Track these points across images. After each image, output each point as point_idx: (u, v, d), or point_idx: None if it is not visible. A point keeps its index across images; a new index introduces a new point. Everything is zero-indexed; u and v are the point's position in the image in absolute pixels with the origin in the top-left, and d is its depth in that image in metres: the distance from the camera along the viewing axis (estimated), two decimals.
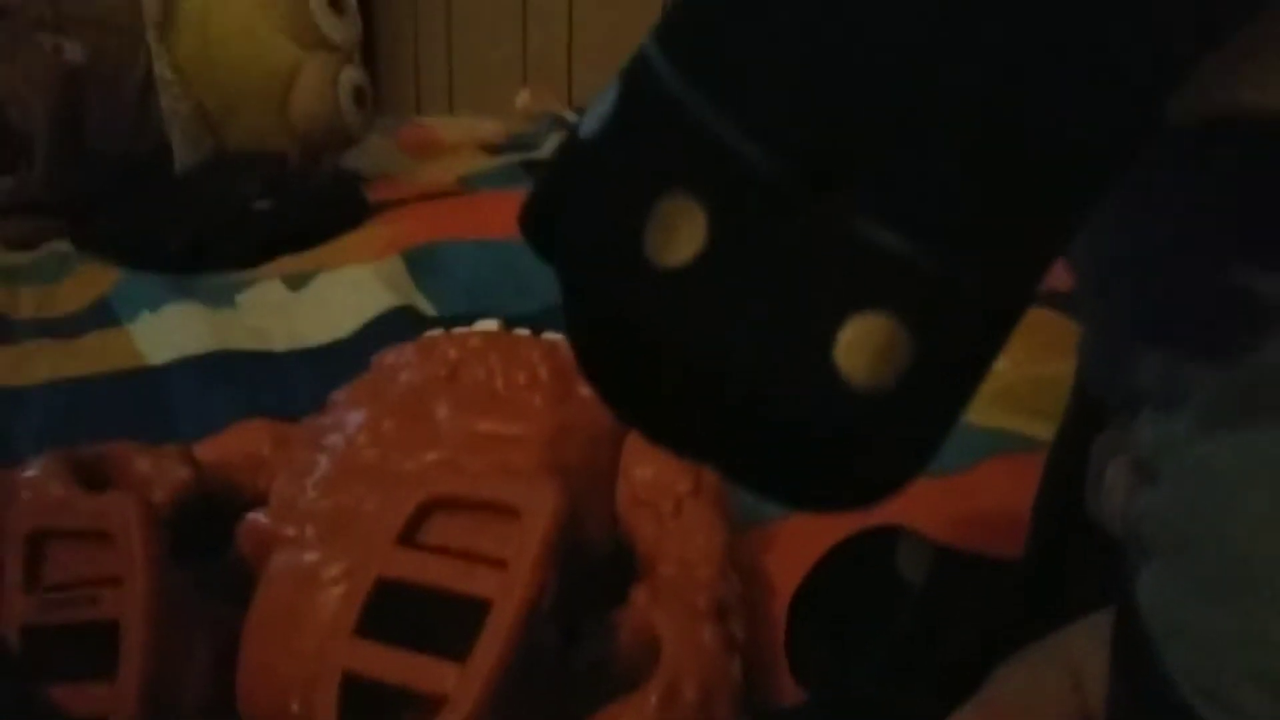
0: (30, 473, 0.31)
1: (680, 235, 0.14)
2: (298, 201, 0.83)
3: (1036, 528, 0.28)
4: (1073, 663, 0.21)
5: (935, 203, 0.14)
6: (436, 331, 0.37)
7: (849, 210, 0.14)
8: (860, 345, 0.14)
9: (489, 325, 0.37)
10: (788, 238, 0.14)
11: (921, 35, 0.14)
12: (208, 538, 0.32)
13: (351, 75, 0.91)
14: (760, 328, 0.14)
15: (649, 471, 0.33)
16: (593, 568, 0.31)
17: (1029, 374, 0.51)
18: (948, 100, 0.14)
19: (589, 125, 0.16)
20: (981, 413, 0.48)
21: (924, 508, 0.31)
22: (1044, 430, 0.46)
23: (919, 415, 0.15)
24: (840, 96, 0.14)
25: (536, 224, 0.17)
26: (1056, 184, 0.14)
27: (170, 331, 0.58)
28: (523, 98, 1.23)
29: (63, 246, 0.80)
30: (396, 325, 0.58)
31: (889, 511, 0.31)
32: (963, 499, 0.35)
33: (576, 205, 0.16)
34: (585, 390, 0.34)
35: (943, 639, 0.28)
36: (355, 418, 0.33)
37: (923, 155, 0.14)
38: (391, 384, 0.34)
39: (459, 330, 0.36)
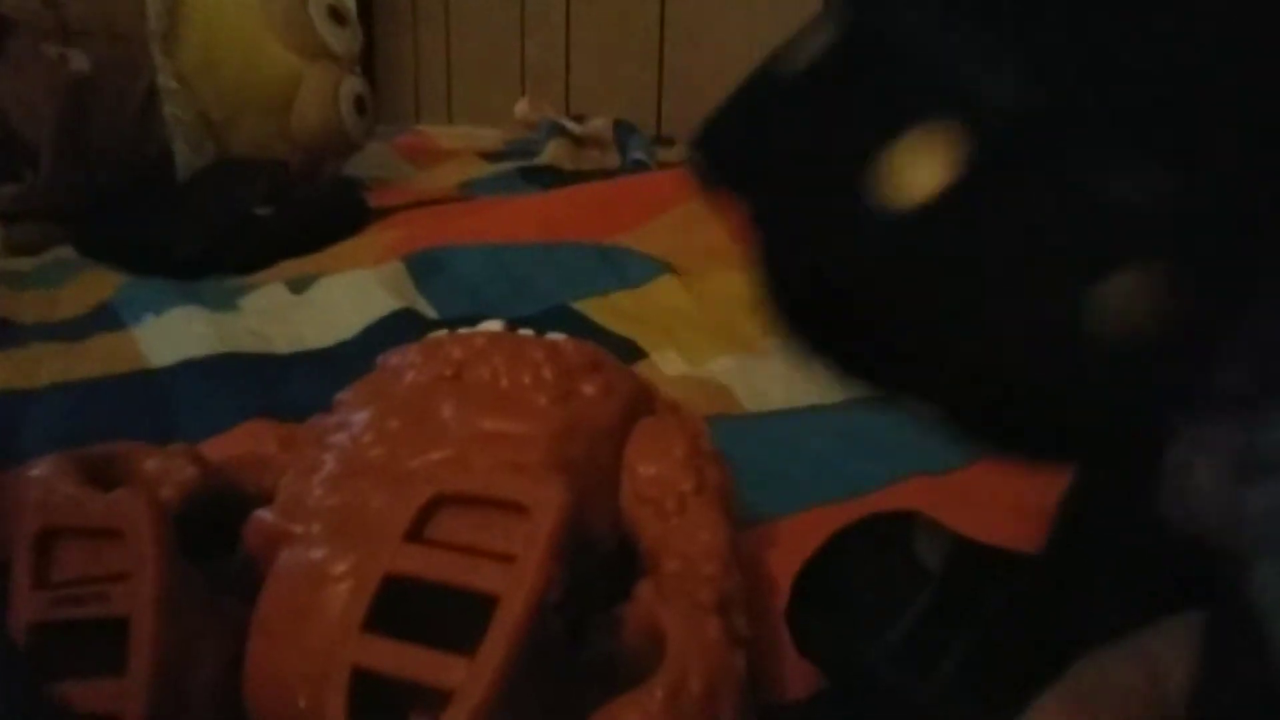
0: (38, 472, 0.32)
1: (918, 175, 0.13)
2: (299, 208, 0.83)
3: (1062, 523, 0.28)
4: (1150, 659, 0.21)
5: (1195, 154, 0.13)
6: (441, 332, 0.37)
7: (1110, 158, 0.13)
8: (1114, 299, 0.13)
9: (493, 326, 0.37)
10: (1041, 183, 0.13)
11: None
12: (215, 536, 0.32)
13: (352, 84, 0.92)
14: (1004, 277, 0.13)
15: (652, 469, 0.33)
16: (598, 564, 0.31)
17: None
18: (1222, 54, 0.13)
19: (796, 60, 0.15)
20: None
21: (922, 505, 0.31)
22: None
23: (1166, 371, 0.14)
24: (1115, 39, 0.13)
25: (718, 158, 0.16)
26: None
27: (174, 334, 0.58)
28: (521, 106, 1.24)
29: (67, 253, 0.81)
30: (399, 327, 0.58)
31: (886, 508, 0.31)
32: (959, 498, 0.35)
33: (789, 144, 0.15)
34: (589, 389, 0.34)
35: (961, 625, 0.28)
36: (361, 417, 0.34)
37: (1185, 102, 0.13)
38: (397, 384, 0.35)
39: (463, 331, 0.37)
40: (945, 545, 0.30)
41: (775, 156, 0.15)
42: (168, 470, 0.33)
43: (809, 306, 0.15)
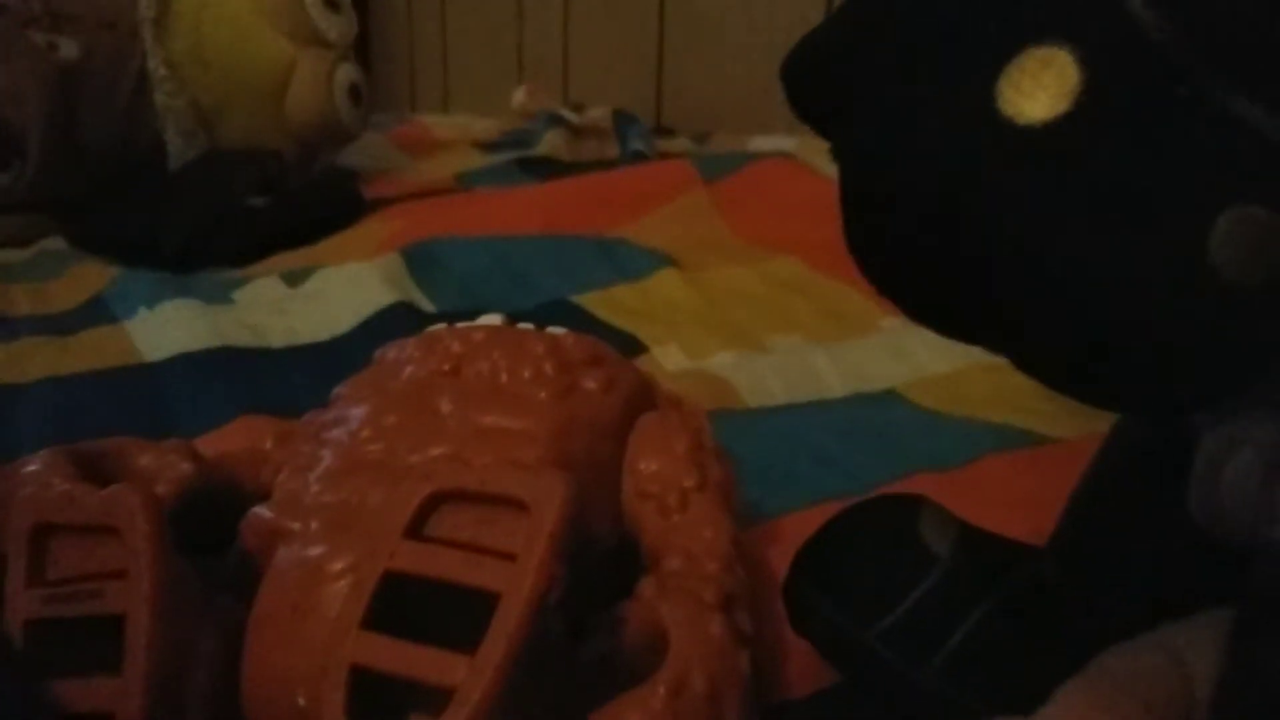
0: (31, 467, 0.31)
1: (1039, 95, 0.13)
2: (293, 199, 0.83)
3: (1073, 515, 0.28)
4: (1175, 652, 0.21)
5: None
6: (439, 326, 0.37)
7: (1240, 95, 0.13)
8: (1234, 237, 0.13)
9: (492, 320, 0.37)
10: (1168, 111, 0.12)
11: None
12: (211, 533, 0.31)
13: (347, 72, 0.91)
14: (1122, 205, 0.12)
15: (654, 465, 0.33)
16: (599, 562, 0.31)
17: None
18: None
19: None
20: (983, 407, 0.48)
21: None
22: (1045, 425, 0.46)
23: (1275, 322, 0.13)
24: None
25: (809, 79, 0.15)
26: None
27: (167, 328, 0.58)
28: (519, 95, 1.23)
29: (57, 244, 0.80)
30: (396, 321, 0.58)
31: None
32: (962, 494, 0.35)
33: (901, 62, 0.14)
34: (590, 384, 0.34)
35: (966, 610, 0.28)
36: (358, 412, 0.33)
37: None
38: (394, 379, 0.34)
39: (462, 325, 0.36)
40: (953, 531, 0.29)
41: (881, 76, 0.14)
42: (163, 466, 0.33)
43: (896, 244, 0.15)
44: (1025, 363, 0.16)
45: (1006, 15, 0.13)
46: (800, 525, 0.33)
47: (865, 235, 0.15)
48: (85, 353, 0.56)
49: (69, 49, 0.84)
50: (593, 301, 0.62)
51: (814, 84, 0.16)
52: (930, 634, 0.28)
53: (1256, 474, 0.20)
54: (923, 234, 0.14)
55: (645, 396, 0.35)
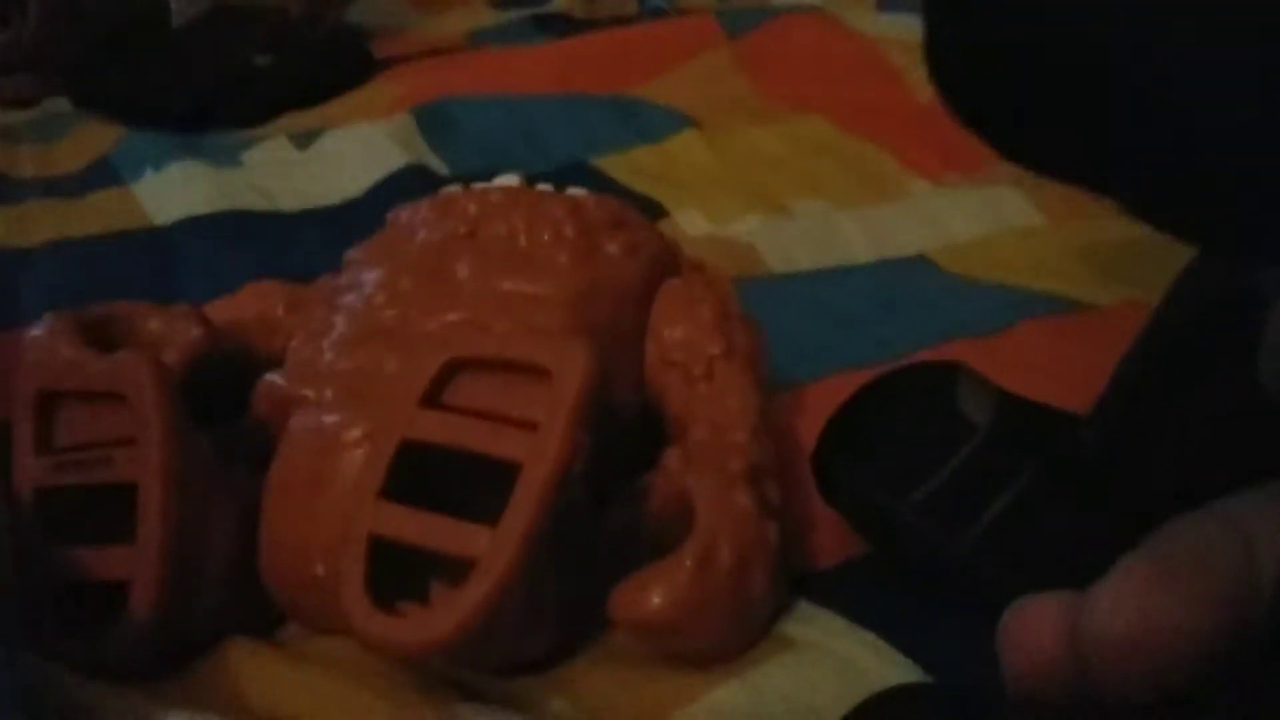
0: (36, 333, 0.30)
1: None
2: (300, 58, 0.80)
3: (1122, 381, 0.26)
4: (1245, 530, 0.20)
5: None
6: (454, 187, 0.35)
7: None
8: None
9: (510, 180, 0.35)
10: None
11: None
12: (223, 401, 0.31)
13: None
14: (1227, 24, 0.11)
15: (679, 333, 0.32)
16: (622, 431, 0.30)
17: (1067, 232, 0.49)
18: None
19: None
20: (1017, 273, 0.46)
21: None
22: (1081, 292, 0.44)
23: None
24: None
25: None
26: None
27: (176, 191, 0.57)
28: None
29: (61, 105, 0.78)
30: (409, 184, 0.56)
31: None
32: (999, 361, 0.34)
33: None
34: (612, 247, 0.32)
35: (1004, 480, 0.27)
36: (372, 277, 0.32)
37: None
38: (409, 242, 0.33)
39: (478, 185, 0.34)
40: (991, 399, 0.28)
41: None
42: (172, 332, 0.32)
43: (991, 71, 0.13)
44: (1136, 199, 0.14)
45: None
46: (829, 394, 0.32)
47: (958, 64, 0.14)
48: (92, 216, 0.55)
49: None
50: (611, 164, 0.60)
51: None
52: (967, 504, 0.27)
53: None
54: (1021, 61, 0.13)
55: (669, 261, 0.34)
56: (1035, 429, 0.28)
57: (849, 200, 0.54)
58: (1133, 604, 0.19)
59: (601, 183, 0.57)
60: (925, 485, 0.27)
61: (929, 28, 0.14)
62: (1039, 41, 0.13)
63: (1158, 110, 0.12)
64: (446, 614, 0.23)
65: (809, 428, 0.31)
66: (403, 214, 0.34)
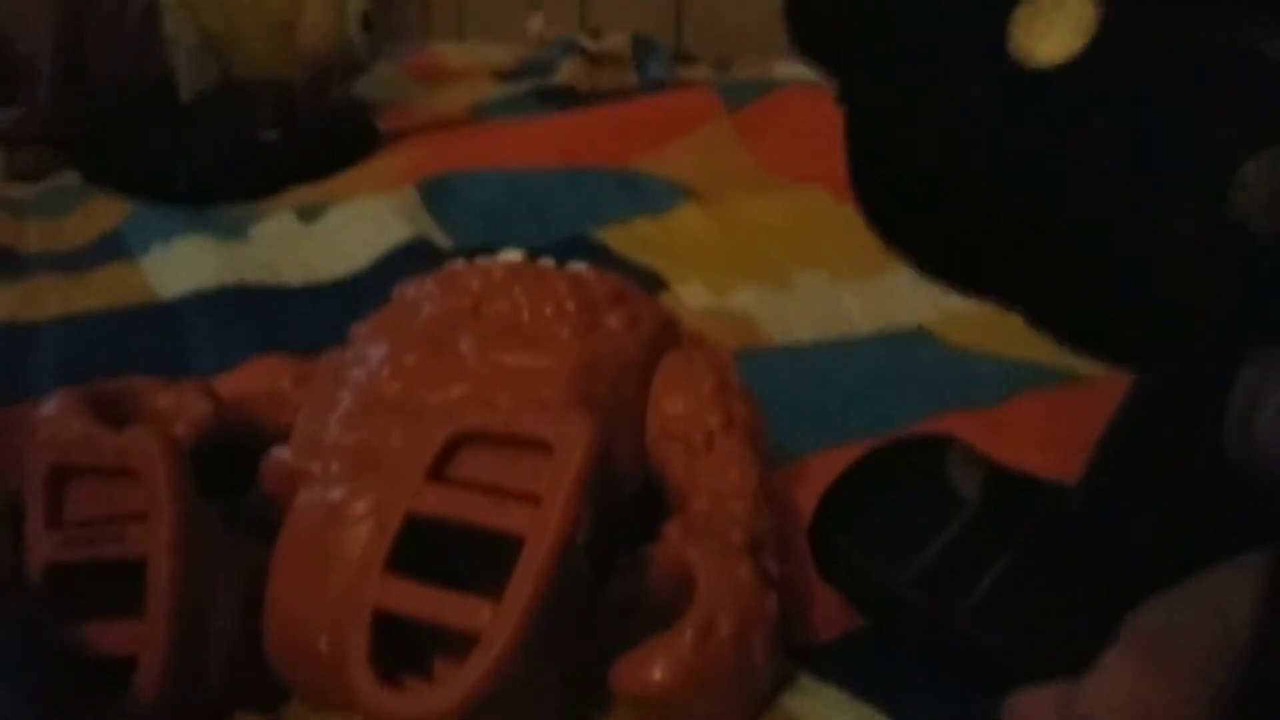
0: (48, 408, 0.31)
1: (1053, 35, 0.12)
2: (307, 131, 0.82)
3: (1104, 455, 0.27)
4: (1220, 606, 0.20)
5: None
6: (457, 262, 0.36)
7: (1265, 32, 0.12)
8: (1262, 184, 0.12)
9: (512, 255, 0.36)
10: (1192, 50, 0.12)
11: None
12: (230, 475, 0.31)
13: None
14: (1143, 147, 0.12)
15: (679, 405, 0.32)
16: (624, 503, 0.30)
17: None
18: None
19: None
20: (1014, 344, 0.47)
21: None
22: (1077, 363, 0.45)
23: None
24: None
25: (809, 25, 0.14)
26: None
27: (182, 265, 0.57)
28: (535, 22, 1.20)
29: (70, 179, 0.79)
30: (413, 258, 0.57)
31: None
32: (995, 435, 0.34)
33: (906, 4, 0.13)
34: (613, 321, 0.33)
35: (996, 552, 0.27)
36: (377, 351, 0.33)
37: None
38: (413, 316, 0.34)
39: (482, 261, 0.35)
40: (981, 472, 0.29)
41: (888, 17, 0.13)
42: (181, 407, 0.32)
43: (902, 194, 0.14)
44: (1037, 321, 0.15)
45: None
46: (827, 466, 0.32)
47: (872, 183, 0.14)
48: (100, 290, 0.56)
49: None
50: (613, 236, 0.61)
51: (818, 23, 0.15)
52: (960, 578, 0.27)
53: None
54: (929, 187, 0.14)
55: (669, 335, 0.35)
56: (1023, 500, 0.28)
57: (848, 271, 0.55)
58: (1122, 691, 0.20)
59: (603, 255, 0.58)
60: (918, 560, 0.27)
61: (850, 170, 0.15)
62: (936, 191, 0.14)
63: (1066, 261, 0.13)
64: (450, 688, 0.23)
65: (808, 499, 0.32)
66: (408, 289, 0.35)
